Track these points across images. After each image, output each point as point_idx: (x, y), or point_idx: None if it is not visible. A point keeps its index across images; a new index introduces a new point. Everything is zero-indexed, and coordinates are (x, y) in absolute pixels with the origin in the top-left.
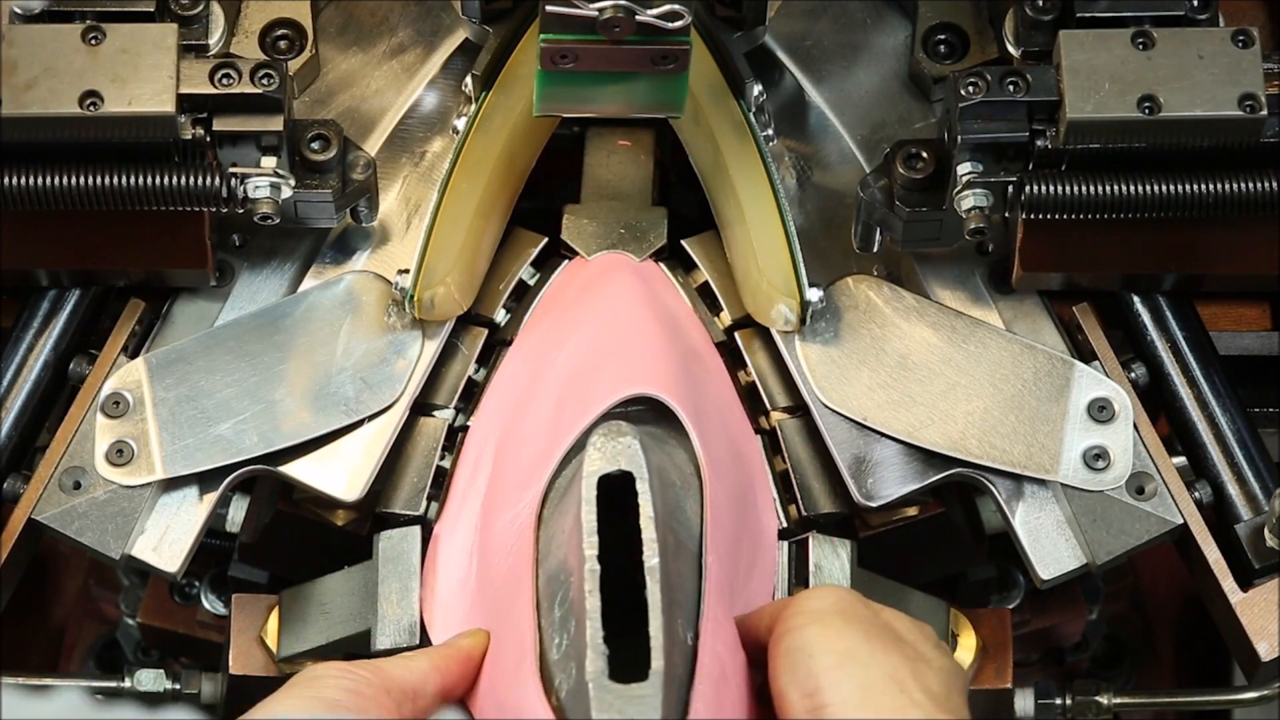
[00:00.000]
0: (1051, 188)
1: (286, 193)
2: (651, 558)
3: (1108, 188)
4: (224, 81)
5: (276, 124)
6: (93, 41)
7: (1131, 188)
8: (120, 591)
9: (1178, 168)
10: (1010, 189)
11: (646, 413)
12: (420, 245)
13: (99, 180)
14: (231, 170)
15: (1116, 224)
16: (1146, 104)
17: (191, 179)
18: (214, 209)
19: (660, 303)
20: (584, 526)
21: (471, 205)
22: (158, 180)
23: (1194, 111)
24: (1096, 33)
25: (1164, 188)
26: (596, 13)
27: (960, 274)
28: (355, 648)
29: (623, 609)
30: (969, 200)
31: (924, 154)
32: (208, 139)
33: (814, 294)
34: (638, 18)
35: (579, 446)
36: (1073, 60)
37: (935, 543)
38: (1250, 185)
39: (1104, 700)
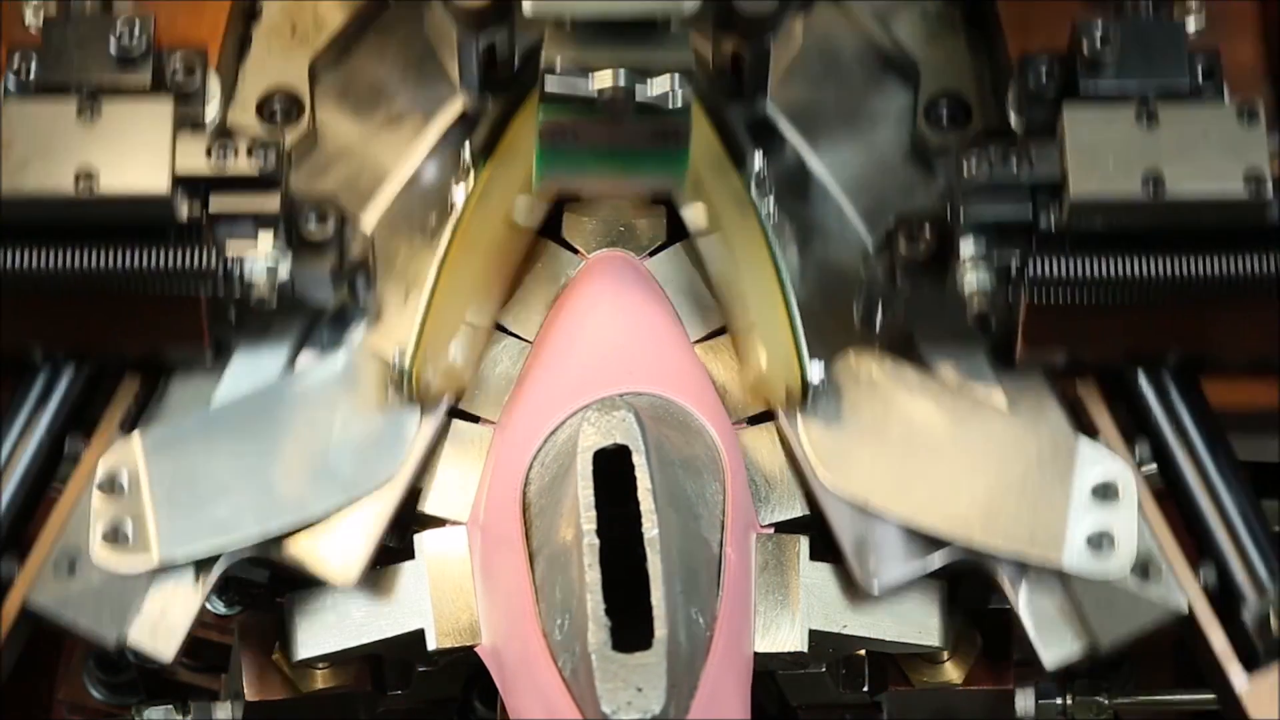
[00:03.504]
0: (1055, 269)
1: (284, 275)
2: (651, 529)
3: (1112, 270)
4: (220, 159)
5: (274, 203)
6: (88, 118)
7: (1137, 270)
8: None
9: (1184, 246)
10: (1014, 269)
11: (658, 403)
12: (417, 324)
13: (93, 264)
14: (228, 256)
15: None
16: (1151, 182)
17: (187, 262)
18: (210, 294)
19: (662, 299)
20: (581, 502)
21: (469, 280)
22: (153, 264)
23: (1198, 190)
24: (1100, 108)
25: (1170, 270)
26: (596, 93)
27: (963, 350)
28: (374, 651)
29: (624, 604)
30: (972, 281)
31: (926, 232)
32: (203, 220)
33: (816, 372)
34: (638, 98)
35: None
36: (1076, 136)
37: None
38: (1258, 266)
39: (1104, 700)
